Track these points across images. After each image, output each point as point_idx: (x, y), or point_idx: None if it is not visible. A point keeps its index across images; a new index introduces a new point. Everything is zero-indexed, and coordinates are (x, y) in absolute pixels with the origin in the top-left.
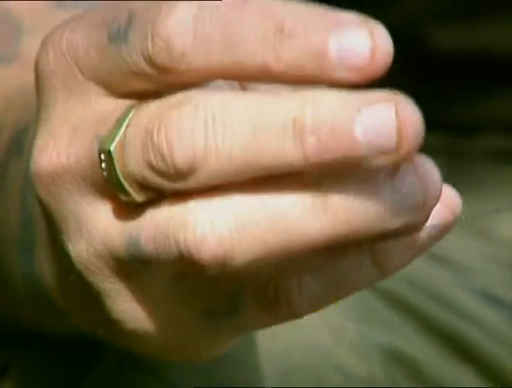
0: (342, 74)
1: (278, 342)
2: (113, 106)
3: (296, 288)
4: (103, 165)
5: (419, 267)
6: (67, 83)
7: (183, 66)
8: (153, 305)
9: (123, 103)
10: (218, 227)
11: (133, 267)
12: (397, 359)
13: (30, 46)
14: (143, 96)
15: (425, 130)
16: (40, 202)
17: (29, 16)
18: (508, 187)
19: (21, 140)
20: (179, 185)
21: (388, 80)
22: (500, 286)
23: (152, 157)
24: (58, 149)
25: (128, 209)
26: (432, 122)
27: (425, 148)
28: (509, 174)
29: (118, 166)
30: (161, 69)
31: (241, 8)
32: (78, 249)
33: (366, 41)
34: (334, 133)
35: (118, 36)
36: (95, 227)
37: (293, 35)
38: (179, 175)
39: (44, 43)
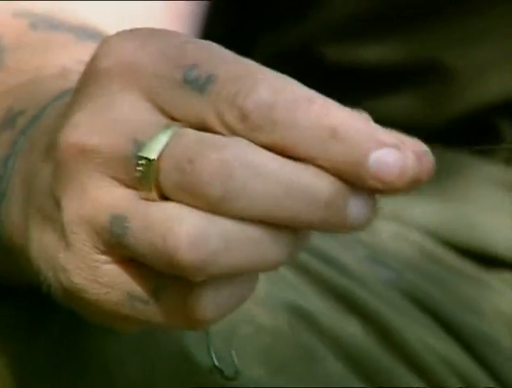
0: (373, 184)
1: None
2: (155, 119)
3: (211, 299)
4: (139, 168)
5: (319, 240)
6: (120, 88)
7: (250, 135)
8: (98, 277)
9: (165, 120)
10: (211, 238)
11: (107, 242)
12: (299, 313)
13: (12, 60)
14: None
15: None
16: (57, 161)
17: (8, 36)
18: None
19: (15, 118)
20: (201, 207)
21: None
22: (400, 258)
23: (186, 182)
24: (92, 131)
25: (127, 194)
26: None
27: None
28: None
29: (153, 174)
30: (230, 130)
31: (308, 106)
32: (70, 206)
33: (398, 162)
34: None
35: (194, 84)
36: (91, 196)
37: (343, 142)
38: (208, 203)
39: (106, 44)
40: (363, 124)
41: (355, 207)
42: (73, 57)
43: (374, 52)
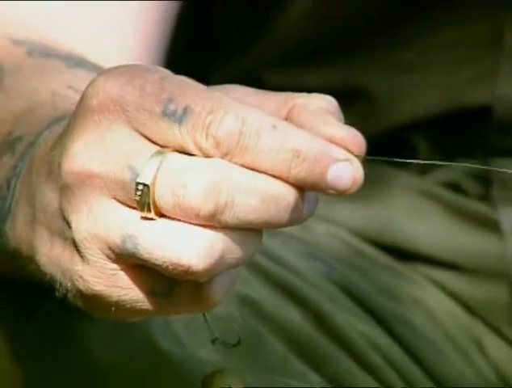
0: (331, 192)
1: None
2: (144, 146)
3: (218, 287)
4: (138, 192)
5: (264, 240)
6: (110, 121)
7: (225, 158)
8: (116, 282)
9: (153, 147)
10: (215, 248)
11: (120, 255)
12: (247, 302)
13: (11, 82)
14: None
15: None
16: (63, 187)
17: (8, 62)
18: None
19: (14, 143)
20: (198, 221)
21: None
22: (332, 253)
23: (182, 203)
24: (92, 159)
25: (132, 214)
26: None
27: None
28: None
29: (150, 197)
30: (206, 155)
31: (271, 132)
32: (80, 226)
33: (350, 174)
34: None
35: (173, 116)
36: (101, 217)
37: (304, 162)
38: (203, 218)
39: (95, 83)
40: (320, 144)
41: (307, 206)
42: (63, 83)
43: (310, 78)
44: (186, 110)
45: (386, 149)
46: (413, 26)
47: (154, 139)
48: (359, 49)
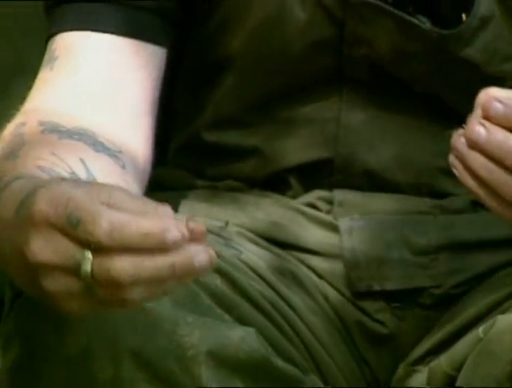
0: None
1: None
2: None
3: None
4: (82, 270)
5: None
6: (41, 222)
7: (105, 245)
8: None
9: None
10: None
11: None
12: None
13: (22, 154)
14: None
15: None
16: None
17: (29, 134)
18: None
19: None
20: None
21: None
22: (241, 244)
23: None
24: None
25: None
26: (200, 176)
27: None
28: (240, 195)
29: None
30: (87, 244)
31: (139, 219)
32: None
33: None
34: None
35: (71, 224)
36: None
37: (152, 237)
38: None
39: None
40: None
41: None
42: (49, 151)
43: (228, 138)
44: (78, 221)
45: (270, 184)
46: (293, 108)
47: (68, 235)
48: (259, 121)
